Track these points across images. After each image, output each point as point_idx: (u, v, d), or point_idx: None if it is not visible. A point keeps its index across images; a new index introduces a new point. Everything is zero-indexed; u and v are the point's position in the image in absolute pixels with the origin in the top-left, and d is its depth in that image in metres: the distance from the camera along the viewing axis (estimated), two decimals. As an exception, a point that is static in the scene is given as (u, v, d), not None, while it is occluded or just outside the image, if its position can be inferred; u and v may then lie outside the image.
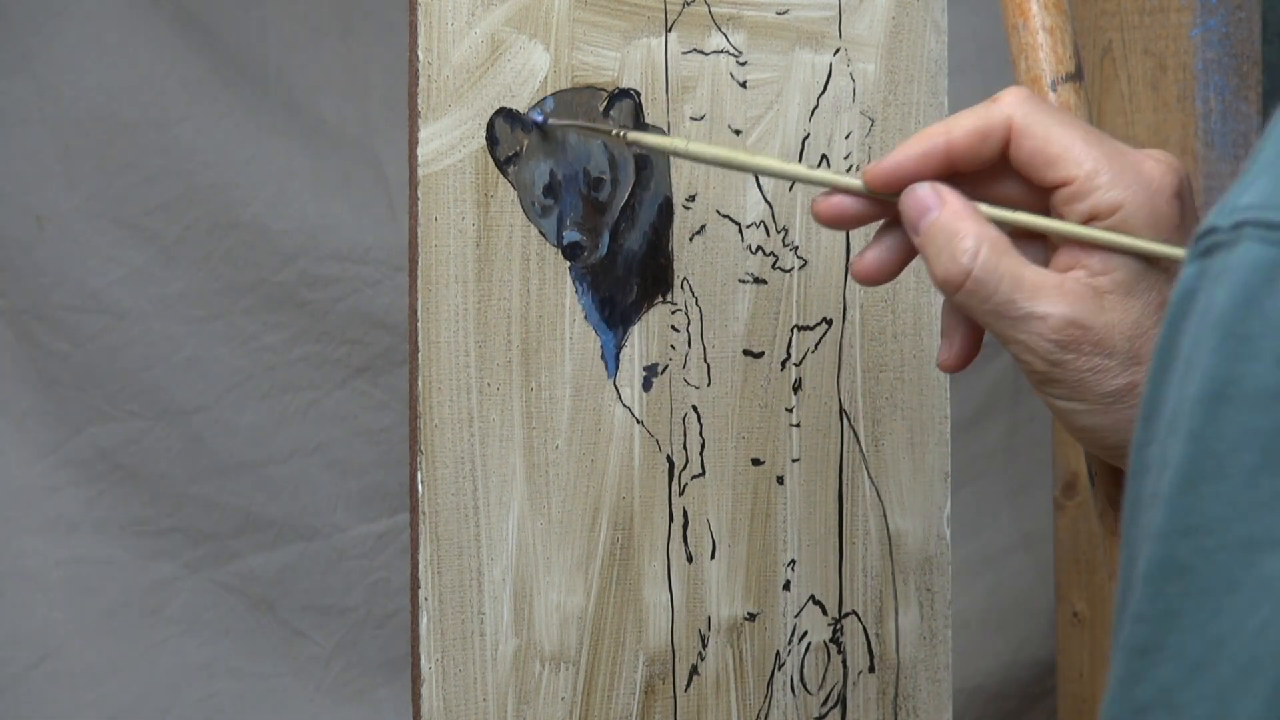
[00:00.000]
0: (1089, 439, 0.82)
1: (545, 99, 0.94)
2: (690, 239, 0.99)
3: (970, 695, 1.78)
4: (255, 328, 1.63)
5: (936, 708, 1.09)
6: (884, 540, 1.07)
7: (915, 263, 0.86)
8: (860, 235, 1.05)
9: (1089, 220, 0.80)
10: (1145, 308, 0.80)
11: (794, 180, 0.88)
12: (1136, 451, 0.58)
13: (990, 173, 0.83)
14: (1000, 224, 0.81)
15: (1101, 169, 0.80)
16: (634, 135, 0.93)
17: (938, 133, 0.83)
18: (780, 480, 1.03)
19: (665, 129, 0.98)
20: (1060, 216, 0.81)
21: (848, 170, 1.04)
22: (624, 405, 0.97)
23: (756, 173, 0.94)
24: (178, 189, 1.61)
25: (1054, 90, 0.86)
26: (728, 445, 1.01)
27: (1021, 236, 0.82)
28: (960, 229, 0.81)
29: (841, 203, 0.85)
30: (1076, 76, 0.86)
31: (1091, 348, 0.79)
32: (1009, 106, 0.82)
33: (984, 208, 0.82)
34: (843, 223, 0.86)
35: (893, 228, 0.85)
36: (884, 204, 0.84)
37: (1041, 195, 0.82)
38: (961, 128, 0.82)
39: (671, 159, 0.98)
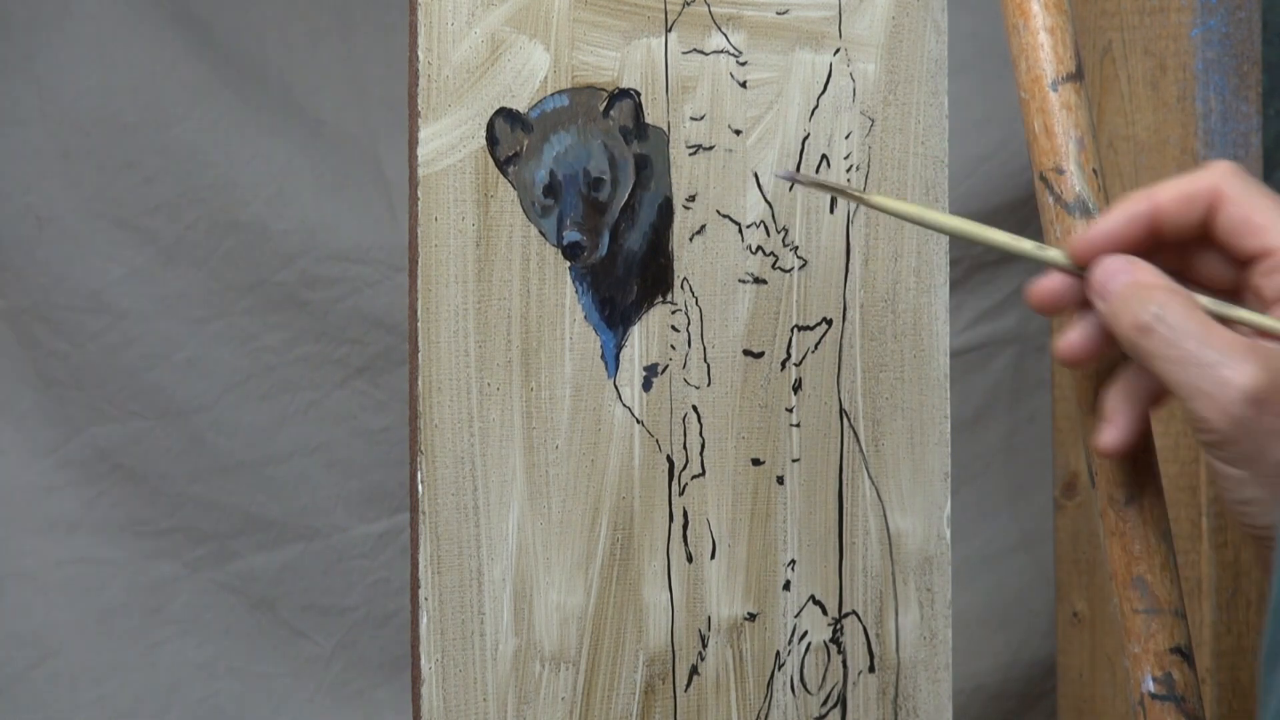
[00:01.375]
0: (1246, 511, 0.79)
1: (544, 99, 0.94)
2: (690, 239, 0.99)
3: (970, 695, 1.78)
4: (255, 328, 1.63)
5: (936, 708, 1.09)
6: (884, 540, 1.07)
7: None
8: (860, 236, 1.05)
9: None
10: None
11: (992, 247, 0.87)
12: None
13: (1190, 249, 0.82)
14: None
15: None
16: (878, 199, 0.89)
17: (1142, 198, 0.82)
18: (780, 480, 1.03)
19: (665, 129, 0.98)
20: (1258, 290, 0.80)
21: (848, 169, 1.04)
22: (624, 405, 0.97)
23: (951, 234, 0.92)
24: (178, 189, 1.61)
25: (1055, 90, 0.85)
26: (728, 445, 1.01)
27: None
28: (1153, 283, 0.80)
29: (1052, 285, 0.83)
30: (1077, 76, 0.86)
31: (1275, 407, 0.77)
32: (1217, 175, 0.81)
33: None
34: (1057, 307, 0.84)
35: (1089, 315, 0.84)
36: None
37: (1239, 270, 0.82)
38: (1167, 191, 0.81)
39: (673, 161, 0.98)
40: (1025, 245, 0.86)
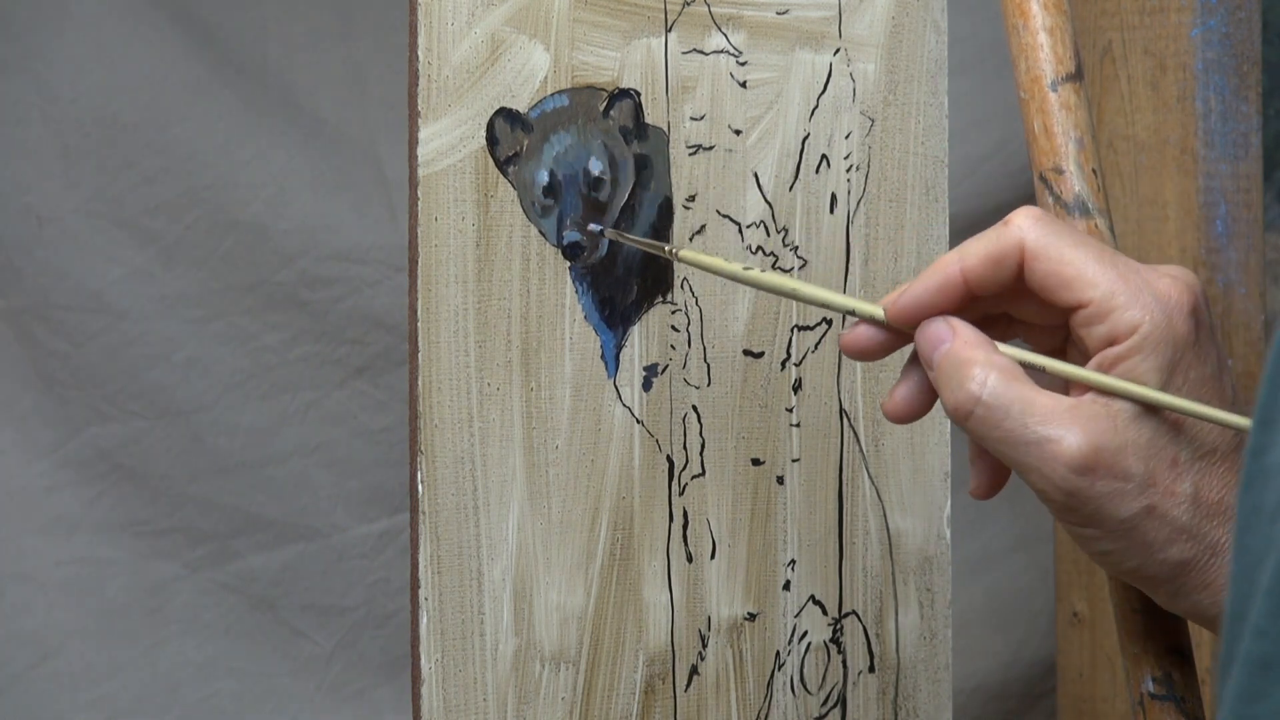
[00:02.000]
0: (1108, 563, 0.81)
1: (544, 99, 0.94)
2: (690, 239, 0.99)
3: (970, 695, 1.78)
4: (255, 328, 1.63)
5: (936, 708, 1.09)
6: (884, 540, 1.07)
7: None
8: (860, 236, 1.05)
9: (1109, 343, 0.80)
10: (1158, 427, 0.79)
11: (814, 304, 0.89)
12: (1253, 457, 0.56)
13: (1011, 295, 0.83)
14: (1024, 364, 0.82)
15: (1118, 290, 0.80)
16: (687, 254, 0.93)
17: (951, 261, 0.83)
18: (780, 480, 1.03)
19: (665, 129, 0.98)
20: (1080, 339, 0.81)
21: (848, 169, 1.05)
22: (624, 405, 0.97)
23: (770, 290, 0.94)
24: (177, 189, 1.61)
25: (1054, 90, 0.85)
26: (728, 445, 1.01)
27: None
28: (970, 356, 0.81)
29: (865, 334, 0.85)
30: (1077, 77, 0.86)
31: (1106, 471, 0.78)
32: (1020, 231, 0.82)
33: (1005, 348, 0.82)
34: (868, 354, 0.86)
35: (916, 364, 0.85)
36: (905, 335, 0.85)
37: (1063, 316, 0.82)
38: (974, 255, 0.82)
39: (673, 161, 0.98)
40: (841, 300, 0.88)
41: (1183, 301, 0.80)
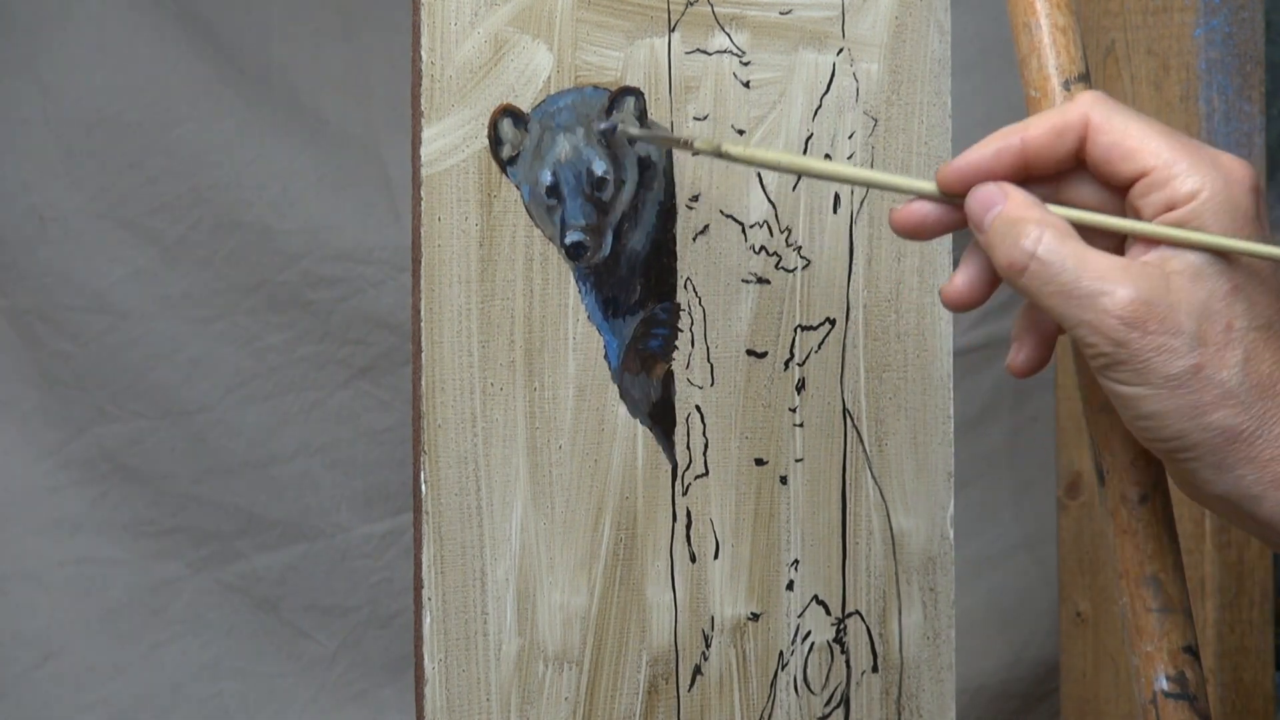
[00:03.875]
0: (1148, 427, 0.80)
1: (547, 99, 0.94)
2: (694, 239, 0.99)
3: (973, 695, 1.78)
4: (258, 328, 1.63)
5: (940, 708, 1.09)
6: (887, 540, 1.07)
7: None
8: (864, 236, 1.05)
9: (1168, 209, 0.80)
10: (1214, 291, 0.79)
11: (866, 185, 0.87)
12: None
13: (1065, 176, 0.83)
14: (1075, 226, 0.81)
15: (1179, 158, 0.80)
16: (700, 144, 0.90)
17: (1013, 131, 0.82)
18: (784, 480, 1.03)
19: (669, 129, 0.98)
20: (1137, 213, 0.81)
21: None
22: (627, 405, 0.97)
23: (823, 178, 0.92)
24: (181, 189, 1.61)
25: (1067, 90, 0.85)
26: (731, 445, 1.01)
27: (1093, 238, 0.82)
28: (1024, 215, 0.80)
29: (919, 210, 0.84)
30: (1086, 77, 0.86)
31: (1158, 325, 0.78)
32: (1085, 104, 0.82)
33: (1055, 208, 0.81)
34: (922, 231, 0.85)
35: (977, 248, 0.84)
36: (963, 212, 0.84)
37: (1117, 197, 0.82)
38: (1036, 125, 0.82)
39: (676, 161, 0.98)
40: (895, 179, 0.86)
41: (1244, 177, 0.80)
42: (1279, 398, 0.80)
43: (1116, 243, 0.82)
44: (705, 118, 0.99)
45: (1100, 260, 0.79)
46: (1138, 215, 0.81)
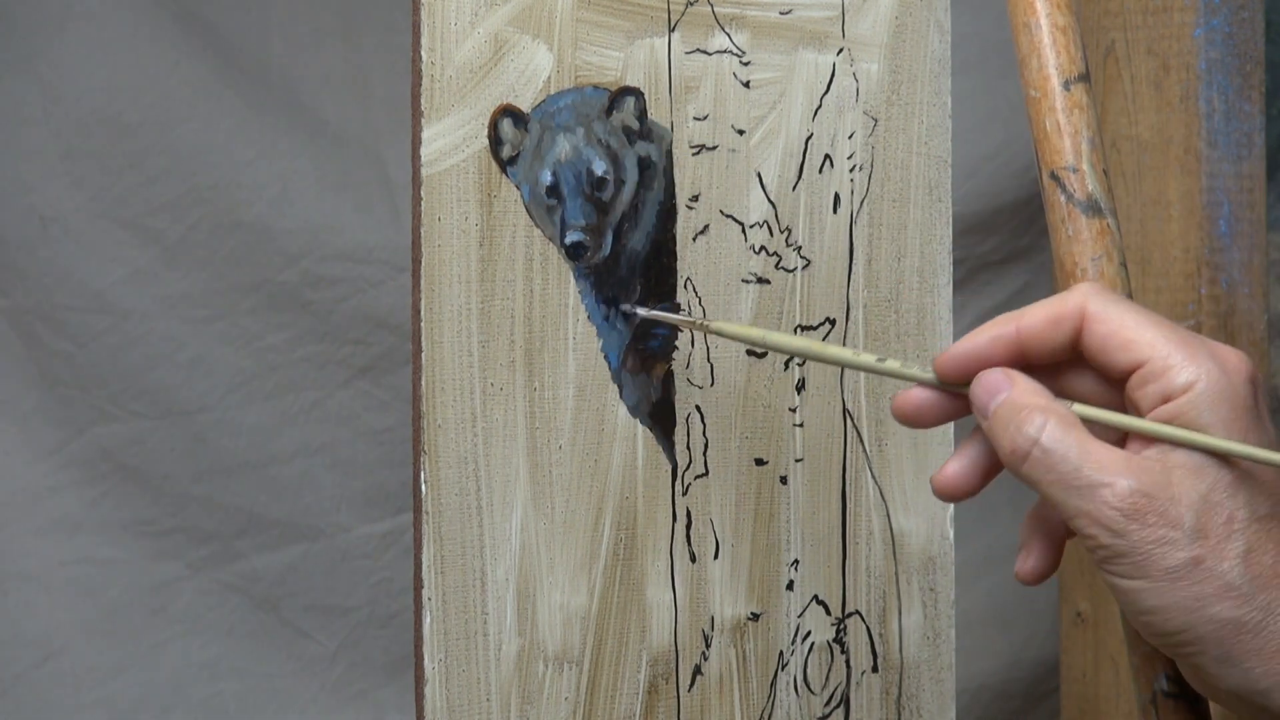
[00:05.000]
0: (1151, 622, 0.80)
1: (547, 99, 0.94)
2: (694, 239, 0.99)
3: (974, 695, 1.78)
4: (258, 328, 1.63)
5: (940, 708, 1.09)
6: (887, 540, 1.07)
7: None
8: (864, 236, 1.05)
9: (1164, 401, 0.80)
10: (1215, 484, 0.79)
11: (865, 371, 0.88)
12: None
13: (1064, 366, 0.83)
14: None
15: (1175, 350, 0.80)
16: (718, 326, 0.92)
17: (1007, 319, 0.83)
18: (784, 480, 1.03)
19: (669, 128, 0.98)
20: (1135, 405, 0.81)
21: (851, 168, 1.05)
22: (627, 406, 0.97)
23: (823, 360, 0.93)
24: (181, 189, 1.61)
25: (1067, 90, 0.85)
26: (731, 445, 1.01)
27: (1097, 429, 0.82)
28: (1029, 402, 0.81)
29: (918, 397, 0.85)
30: (1086, 77, 0.86)
31: (1157, 518, 0.78)
32: (1082, 294, 0.82)
33: (1062, 401, 0.82)
34: (921, 420, 0.85)
35: (975, 437, 0.85)
36: (962, 400, 0.84)
37: (1114, 388, 0.82)
38: (1032, 314, 0.82)
39: (676, 161, 0.98)
40: (891, 366, 0.87)
41: (1241, 368, 0.80)
42: None
43: (1121, 437, 0.82)
44: (705, 118, 0.99)
45: (1102, 451, 0.79)
46: (1135, 406, 0.81)
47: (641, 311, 0.96)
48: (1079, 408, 0.82)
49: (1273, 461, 0.79)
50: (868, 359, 0.87)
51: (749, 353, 1.02)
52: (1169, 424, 0.80)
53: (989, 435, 0.82)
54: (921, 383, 0.85)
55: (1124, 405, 0.82)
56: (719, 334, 0.94)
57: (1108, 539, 0.78)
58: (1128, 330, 0.81)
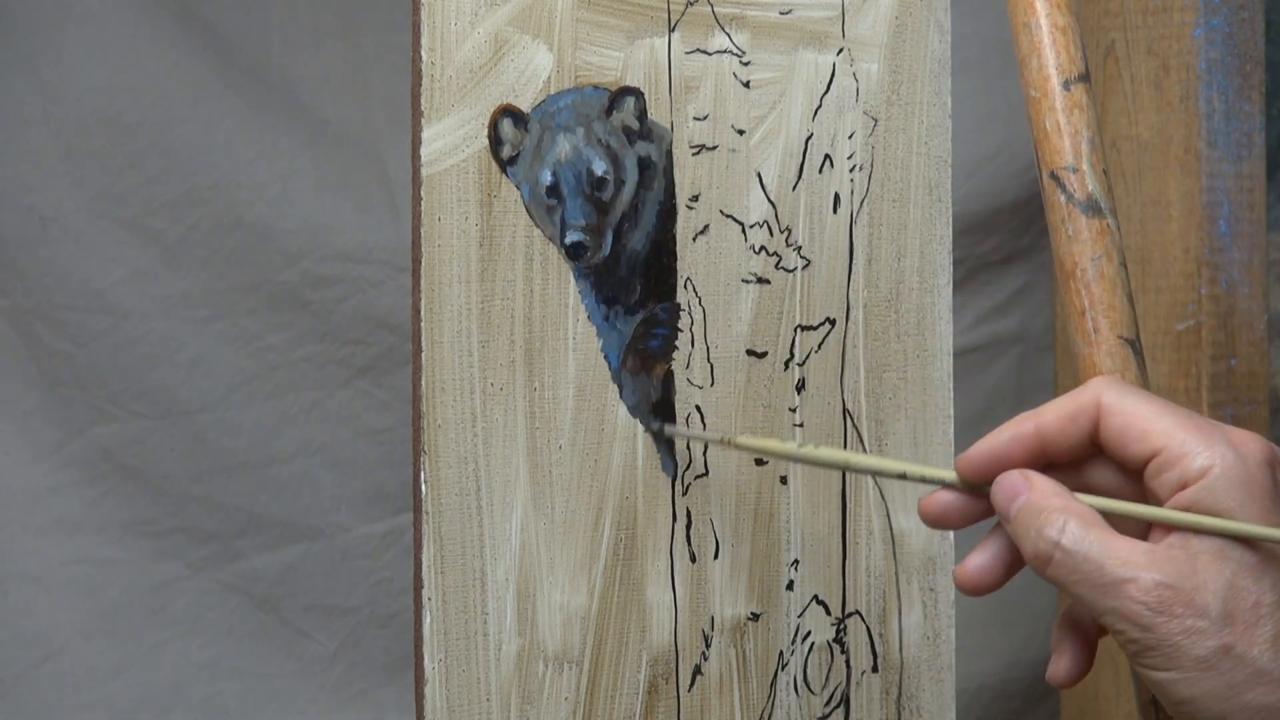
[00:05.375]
0: (1188, 712, 0.80)
1: (547, 99, 0.94)
2: (694, 239, 0.99)
3: (974, 695, 1.78)
4: (258, 328, 1.63)
5: (940, 708, 1.09)
6: (887, 540, 1.07)
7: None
8: (864, 236, 1.05)
9: (1181, 488, 0.80)
10: (1239, 568, 0.79)
11: (884, 475, 0.89)
12: None
13: (1083, 461, 0.84)
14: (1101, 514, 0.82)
15: (1190, 436, 0.80)
16: (744, 440, 0.92)
17: (1026, 418, 0.84)
18: (783, 480, 1.03)
19: (669, 128, 0.98)
20: (1153, 493, 0.81)
21: (851, 168, 1.04)
22: (627, 405, 0.97)
23: (861, 472, 0.94)
24: (181, 189, 1.61)
25: (1067, 90, 0.85)
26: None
27: (1120, 522, 0.82)
28: (1048, 504, 0.81)
29: (943, 500, 0.85)
30: (1086, 77, 0.86)
31: (1183, 609, 0.78)
32: (1097, 389, 0.83)
33: (1083, 497, 0.82)
34: (948, 522, 0.86)
35: (998, 532, 0.85)
36: (986, 499, 0.85)
37: (1134, 480, 0.83)
38: (1050, 412, 0.83)
39: (676, 161, 0.98)
40: (910, 468, 0.87)
41: (1258, 451, 0.81)
42: None
43: (1143, 527, 0.82)
44: (705, 118, 0.99)
45: (1124, 546, 0.80)
46: (1154, 495, 0.82)
47: (669, 430, 0.97)
48: (1096, 500, 0.82)
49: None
50: (887, 462, 0.88)
51: (749, 352, 1.02)
52: (1187, 511, 0.80)
53: (1013, 538, 0.83)
54: (946, 485, 0.85)
55: (1144, 496, 0.83)
56: (743, 449, 0.94)
57: (1136, 634, 0.79)
58: (1142, 420, 0.81)
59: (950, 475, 0.85)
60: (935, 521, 0.86)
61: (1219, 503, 0.79)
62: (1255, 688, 0.79)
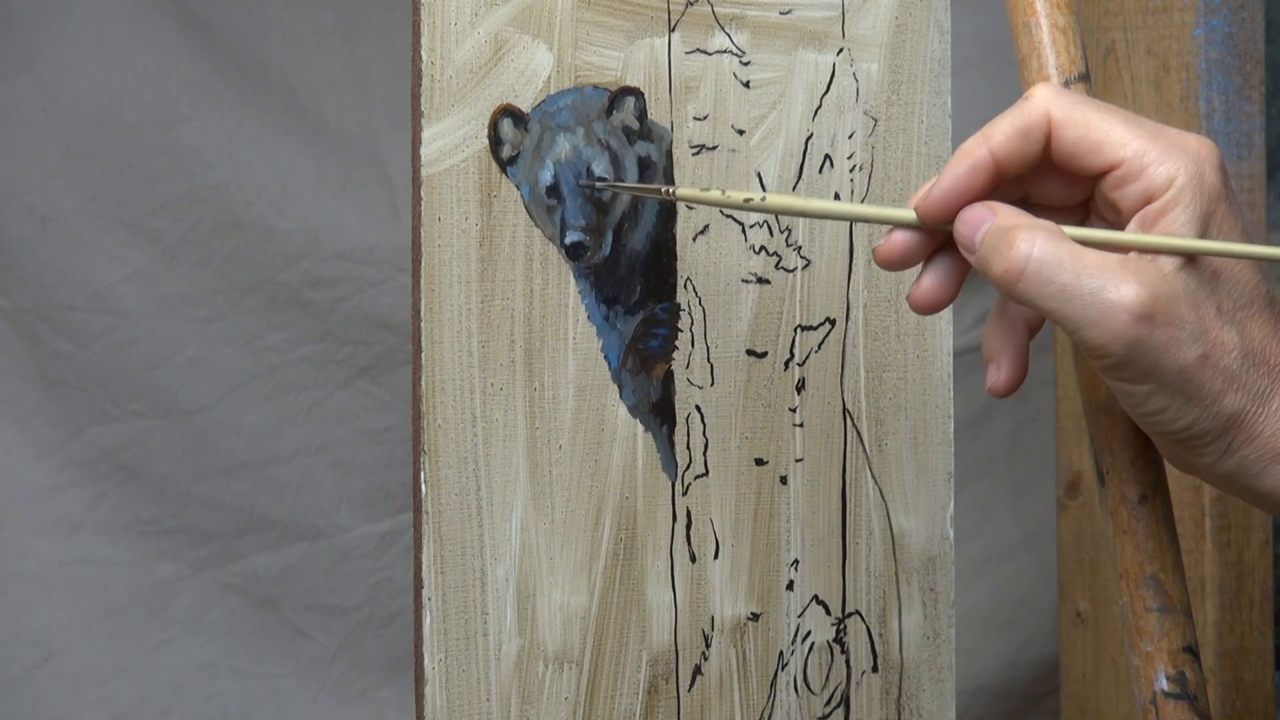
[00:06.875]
0: (1160, 423, 0.80)
1: (547, 99, 0.94)
2: (694, 239, 0.99)
3: (974, 695, 1.78)
4: (258, 328, 1.63)
5: (940, 708, 1.09)
6: (887, 540, 1.07)
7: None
8: (863, 236, 1.05)
9: (1146, 201, 0.80)
10: (1200, 276, 0.79)
11: (849, 220, 0.87)
12: None
13: (1029, 176, 0.83)
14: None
15: (1149, 148, 0.80)
16: (684, 192, 0.90)
17: (976, 145, 0.82)
18: (784, 480, 1.03)
19: (669, 128, 0.98)
20: (1113, 203, 0.81)
21: (851, 169, 1.04)
22: (627, 406, 0.97)
23: (811, 217, 0.92)
24: (181, 189, 1.61)
25: (1068, 89, 0.85)
26: (731, 445, 1.01)
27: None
28: (1015, 224, 0.80)
29: (900, 240, 0.84)
30: (1086, 77, 0.86)
31: (1164, 319, 0.78)
32: (1044, 101, 0.81)
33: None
34: (906, 261, 0.84)
35: (941, 253, 0.84)
36: (943, 235, 0.84)
37: (1086, 187, 0.82)
38: (1000, 132, 0.82)
39: (676, 161, 0.98)
40: (867, 210, 0.86)
41: (1212, 155, 0.80)
42: (1272, 372, 0.81)
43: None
44: (705, 118, 0.99)
45: (1097, 258, 0.79)
46: (1114, 207, 0.81)
47: (601, 185, 0.95)
48: (1072, 229, 0.81)
49: (1271, 256, 0.79)
50: (846, 206, 0.86)
51: (749, 353, 1.02)
52: (1156, 221, 0.80)
53: (979, 267, 0.81)
54: (905, 226, 0.84)
55: (1095, 205, 0.82)
56: (684, 200, 0.91)
57: (1118, 348, 0.78)
58: (1096, 131, 0.80)
59: (909, 215, 0.83)
60: (894, 263, 0.84)
61: (1185, 213, 0.79)
62: (1228, 393, 0.79)
